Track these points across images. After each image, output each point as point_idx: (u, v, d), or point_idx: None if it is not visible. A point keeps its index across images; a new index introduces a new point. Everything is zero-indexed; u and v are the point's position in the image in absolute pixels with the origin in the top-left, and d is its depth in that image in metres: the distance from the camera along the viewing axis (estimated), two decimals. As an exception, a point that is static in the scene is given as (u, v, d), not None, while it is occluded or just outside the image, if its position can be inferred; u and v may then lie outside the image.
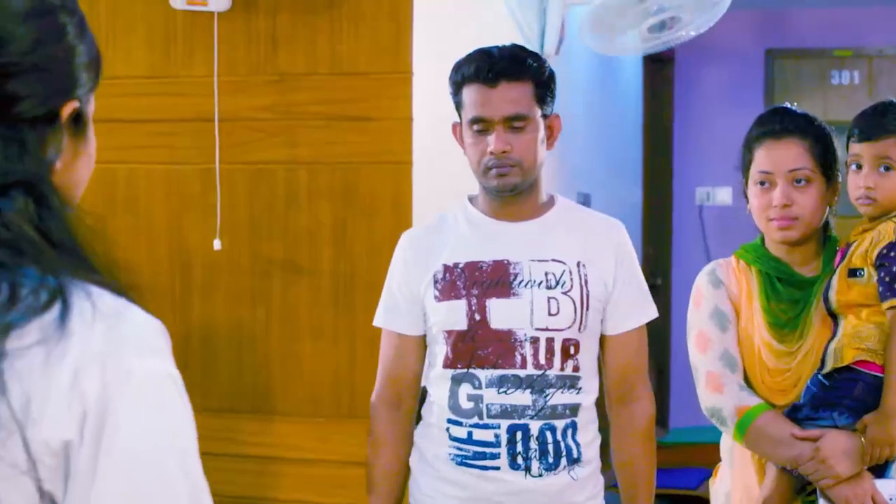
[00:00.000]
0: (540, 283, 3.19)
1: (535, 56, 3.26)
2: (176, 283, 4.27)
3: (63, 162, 1.43)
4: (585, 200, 6.29)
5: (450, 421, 3.23)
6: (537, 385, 3.16)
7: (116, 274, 1.38)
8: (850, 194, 3.19)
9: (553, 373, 3.17)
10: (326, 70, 4.13)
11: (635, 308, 3.31)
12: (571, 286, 3.19)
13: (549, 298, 3.18)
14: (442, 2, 4.30)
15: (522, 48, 3.26)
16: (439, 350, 3.25)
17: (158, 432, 1.32)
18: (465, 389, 3.20)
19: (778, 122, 3.25)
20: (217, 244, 4.17)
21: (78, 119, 1.45)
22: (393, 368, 3.35)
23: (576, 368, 3.20)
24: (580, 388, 3.21)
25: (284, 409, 4.17)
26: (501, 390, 3.16)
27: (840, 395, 3.07)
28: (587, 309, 3.20)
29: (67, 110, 1.43)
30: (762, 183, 3.22)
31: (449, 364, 3.22)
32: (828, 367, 3.09)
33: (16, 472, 1.25)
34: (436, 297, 3.24)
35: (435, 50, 4.19)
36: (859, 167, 3.16)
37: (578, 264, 3.22)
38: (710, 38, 5.33)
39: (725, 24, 5.35)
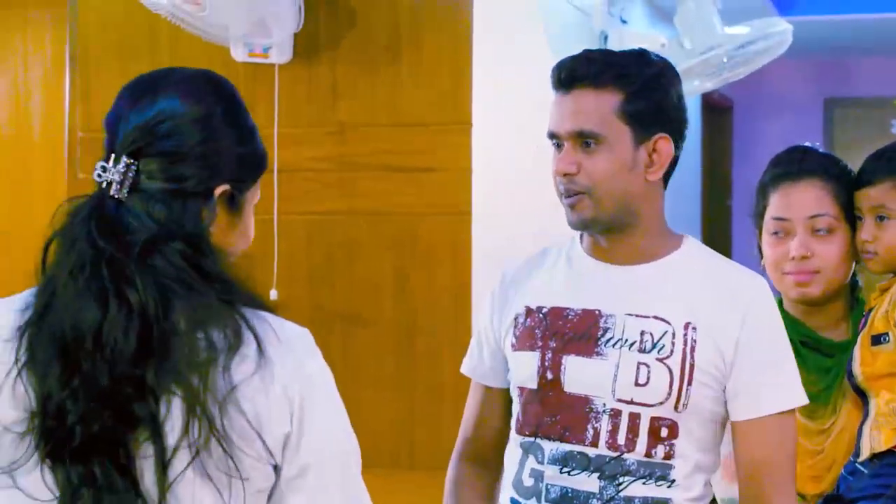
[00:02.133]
0: (632, 344, 2.50)
1: (642, 60, 2.55)
2: (236, 333, 4.29)
3: (218, 228, 1.91)
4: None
5: (513, 501, 2.62)
6: (608, 470, 2.49)
7: (257, 296, 1.89)
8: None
9: (633, 457, 2.48)
10: (386, 121, 4.15)
11: (771, 388, 2.52)
12: (671, 352, 2.48)
13: (639, 364, 2.49)
14: (501, 53, 4.32)
15: (639, 53, 2.58)
16: (515, 410, 2.64)
17: (333, 410, 1.90)
18: (531, 463, 2.57)
19: (796, 163, 2.82)
20: (273, 294, 4.19)
21: (233, 200, 1.94)
22: (472, 425, 2.80)
23: (668, 455, 2.48)
24: (673, 482, 2.49)
25: (344, 460, 4.16)
26: (564, 470, 2.51)
27: (882, 484, 2.60)
28: (689, 383, 2.48)
29: (219, 191, 1.90)
30: (776, 232, 2.81)
31: (519, 429, 2.61)
32: (864, 454, 2.64)
33: (262, 463, 1.82)
34: (513, 344, 2.63)
35: (494, 101, 4.20)
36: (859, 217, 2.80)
37: (687, 326, 2.49)
38: (769, 87, 5.33)
39: (784, 74, 5.35)
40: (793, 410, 2.53)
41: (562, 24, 4.73)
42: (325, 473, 1.88)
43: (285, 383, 1.83)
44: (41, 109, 5.34)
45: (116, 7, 4.44)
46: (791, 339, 2.62)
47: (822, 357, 2.81)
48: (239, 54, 4.13)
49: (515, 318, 2.64)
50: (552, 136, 2.54)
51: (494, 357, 2.70)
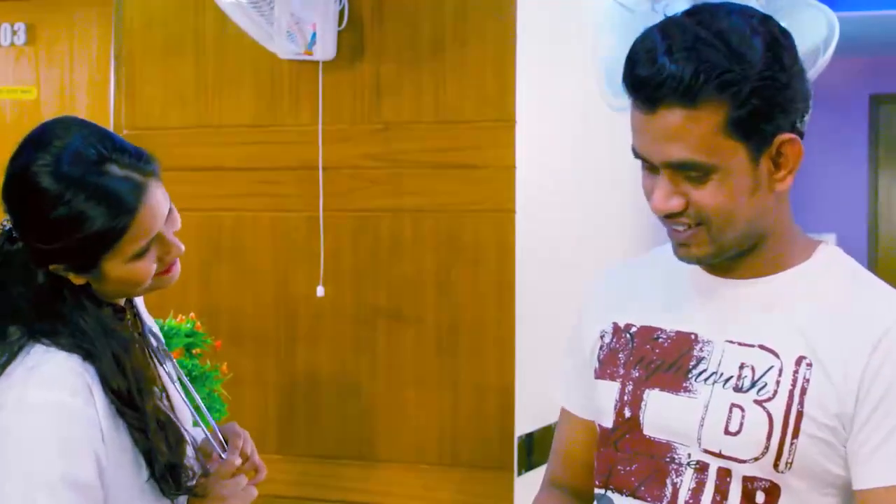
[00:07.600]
0: (727, 380, 1.99)
1: (742, 47, 1.90)
2: (281, 331, 4.30)
3: (93, 284, 2.23)
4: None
5: None
6: None
7: (92, 339, 2.18)
8: None
9: None
10: (430, 118, 4.15)
11: None
12: (775, 394, 1.95)
13: (732, 406, 1.98)
14: (545, 50, 4.31)
15: (734, 31, 1.91)
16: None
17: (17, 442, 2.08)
18: None
19: None
20: (320, 290, 4.20)
21: (83, 270, 2.22)
22: (560, 460, 2.36)
23: None
24: None
25: (389, 456, 4.16)
26: None
27: None
28: (794, 436, 1.93)
29: (52, 267, 2.21)
30: None
31: (595, 475, 2.16)
32: None
33: None
34: (595, 370, 2.19)
35: (538, 98, 4.20)
36: None
37: (799, 361, 1.96)
38: (814, 84, 5.28)
39: (829, 71, 5.31)
40: None
41: (605, 19, 4.73)
42: None
43: None
44: (87, 109, 5.37)
45: (162, 5, 4.46)
46: None
47: None
48: (283, 52, 4.14)
49: (601, 336, 2.20)
50: (638, 156, 2.02)
51: (580, 380, 2.26)
